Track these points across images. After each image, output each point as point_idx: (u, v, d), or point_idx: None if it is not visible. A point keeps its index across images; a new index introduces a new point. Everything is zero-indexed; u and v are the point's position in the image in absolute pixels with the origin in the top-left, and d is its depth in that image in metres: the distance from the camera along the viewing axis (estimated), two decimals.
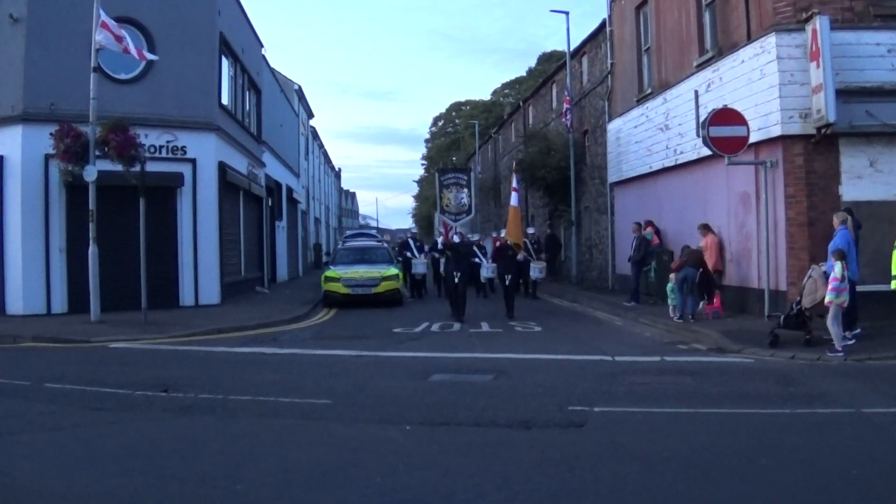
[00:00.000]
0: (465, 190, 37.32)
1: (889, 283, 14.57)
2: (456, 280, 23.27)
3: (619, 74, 31.32)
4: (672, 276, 20.81)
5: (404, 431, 9.52)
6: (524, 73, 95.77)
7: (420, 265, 32.34)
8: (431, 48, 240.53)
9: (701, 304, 20.61)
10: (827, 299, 14.68)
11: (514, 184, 29.51)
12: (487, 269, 30.32)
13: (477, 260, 30.34)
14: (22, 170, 23.36)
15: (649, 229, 25.64)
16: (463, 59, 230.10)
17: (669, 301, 20.87)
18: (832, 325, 14.69)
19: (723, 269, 21.85)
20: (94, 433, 9.57)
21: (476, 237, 36.07)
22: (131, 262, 22.33)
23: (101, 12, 20.46)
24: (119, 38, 20.68)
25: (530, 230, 34.12)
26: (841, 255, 14.72)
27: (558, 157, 37.85)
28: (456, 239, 25.76)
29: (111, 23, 20.62)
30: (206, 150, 26.24)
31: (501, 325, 21.60)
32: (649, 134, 26.96)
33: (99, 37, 20.35)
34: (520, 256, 28.91)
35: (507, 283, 24.68)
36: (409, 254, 32.74)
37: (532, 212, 48.56)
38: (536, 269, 30.65)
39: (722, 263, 21.75)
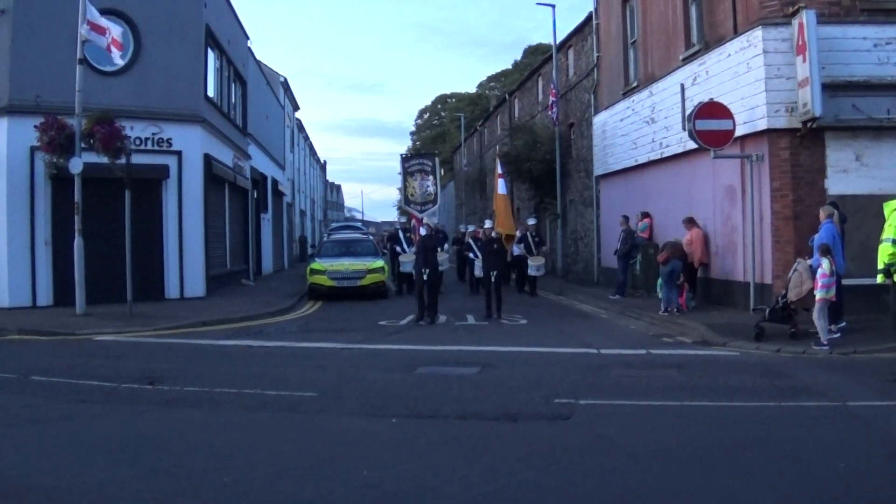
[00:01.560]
0: (431, 177, 34.12)
1: (875, 276, 14.62)
2: (424, 277, 21.11)
3: (606, 67, 31.34)
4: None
5: (391, 424, 9.53)
6: (510, 66, 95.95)
7: (408, 263, 28.89)
8: (419, 41, 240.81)
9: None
10: (818, 296, 14.74)
11: (500, 170, 27.47)
12: (479, 267, 26.90)
13: (472, 255, 29.26)
14: (7, 162, 23.24)
15: (646, 220, 25.63)
16: (450, 52, 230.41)
17: (660, 295, 20.94)
18: (818, 318, 14.76)
19: (708, 263, 21.90)
20: (80, 426, 9.56)
21: (471, 229, 34.34)
22: (117, 254, 22.31)
23: (89, 6, 20.39)
24: (103, 32, 20.60)
25: (531, 221, 31.68)
26: (826, 250, 14.78)
27: (544, 150, 37.82)
28: (423, 231, 23.46)
29: (97, 20, 20.53)
30: (192, 143, 26.16)
31: (487, 317, 21.60)
32: (635, 127, 27.00)
33: (84, 30, 20.26)
34: (518, 250, 28.76)
35: (492, 279, 22.18)
36: (398, 247, 31.59)
37: (518, 204, 48.58)
38: (534, 267, 28.80)
39: (707, 257, 21.79)
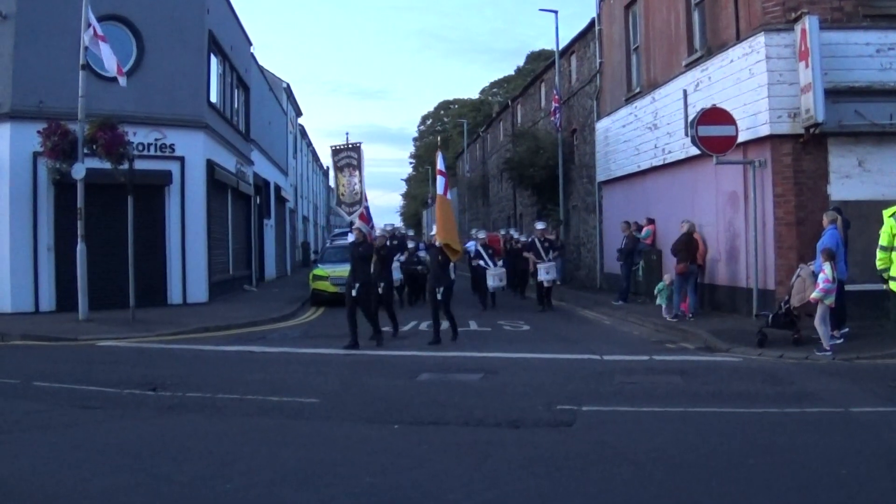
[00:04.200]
0: (357, 172, 28.21)
1: (878, 282, 14.57)
2: (353, 293, 17.72)
3: (608, 74, 31.35)
4: (666, 276, 20.98)
5: (393, 431, 9.52)
6: (513, 72, 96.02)
7: (493, 277, 26.36)
8: (422, 48, 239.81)
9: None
10: (813, 296, 14.70)
11: (440, 166, 21.64)
12: (494, 278, 25.83)
13: (482, 263, 27.08)
14: (10, 167, 23.29)
15: (650, 227, 25.56)
16: (453, 59, 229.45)
17: (659, 301, 20.95)
18: (820, 324, 14.73)
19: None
20: (82, 432, 9.54)
21: (482, 234, 30.94)
22: (119, 260, 22.30)
23: (91, 16, 20.39)
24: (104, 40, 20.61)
25: (539, 226, 28.25)
26: (830, 255, 14.76)
27: (546, 157, 37.86)
28: (351, 237, 19.52)
29: (97, 28, 20.54)
30: (195, 148, 26.21)
31: (490, 323, 21.62)
32: (638, 133, 27.00)
33: (87, 36, 20.27)
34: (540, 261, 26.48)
35: (437, 296, 18.72)
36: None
37: (521, 210, 48.63)
38: (543, 271, 25.67)
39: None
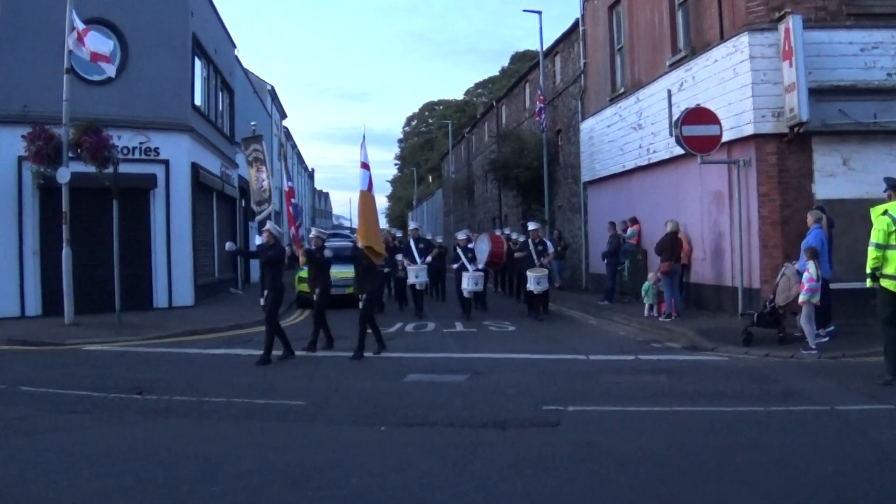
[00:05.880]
0: (264, 168, 25.96)
1: (863, 280, 14.63)
2: (262, 301, 16.20)
3: (592, 74, 31.36)
4: (651, 275, 21.03)
5: (380, 432, 9.52)
6: (497, 73, 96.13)
7: (470, 280, 23.72)
8: (407, 50, 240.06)
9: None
10: (801, 299, 14.76)
11: (363, 158, 18.67)
12: (470, 281, 23.49)
13: (454, 267, 24.86)
14: None
15: (635, 227, 25.55)
16: (438, 61, 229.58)
17: (645, 300, 21.01)
18: (805, 323, 14.78)
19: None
20: (69, 437, 9.51)
21: (462, 236, 26.22)
22: (105, 264, 22.26)
23: (75, 19, 20.33)
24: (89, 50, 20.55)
25: (532, 226, 24.63)
26: (813, 254, 14.81)
27: (531, 157, 37.86)
28: (259, 240, 17.80)
29: (78, 25, 20.49)
30: (179, 151, 26.12)
31: (475, 324, 21.54)
32: (622, 133, 27.02)
33: (71, 40, 20.23)
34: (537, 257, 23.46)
35: (364, 304, 16.90)
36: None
37: (506, 211, 48.62)
38: (534, 280, 22.61)
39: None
